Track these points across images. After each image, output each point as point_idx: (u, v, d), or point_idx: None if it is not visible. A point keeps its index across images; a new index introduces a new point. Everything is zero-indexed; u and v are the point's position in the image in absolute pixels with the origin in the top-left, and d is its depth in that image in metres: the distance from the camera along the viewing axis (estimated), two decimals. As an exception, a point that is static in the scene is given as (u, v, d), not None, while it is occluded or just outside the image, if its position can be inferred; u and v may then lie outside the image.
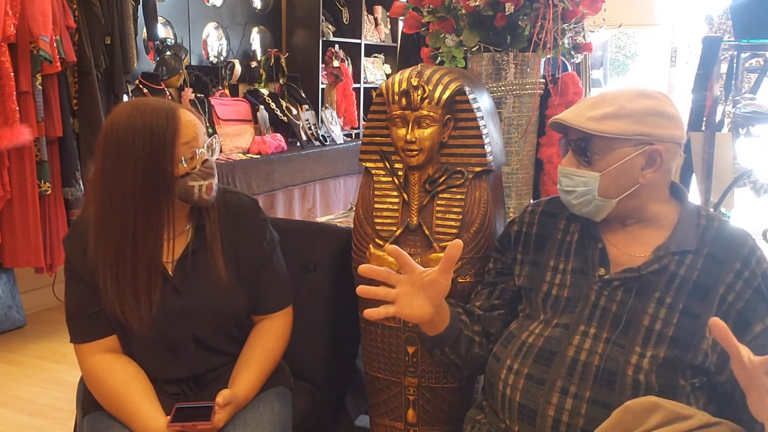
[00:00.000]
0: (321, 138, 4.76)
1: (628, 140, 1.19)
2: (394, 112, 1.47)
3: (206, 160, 1.35)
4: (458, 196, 1.49)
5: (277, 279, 1.50)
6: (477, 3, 1.76)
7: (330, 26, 5.13)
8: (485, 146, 1.48)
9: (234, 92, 4.54)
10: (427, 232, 1.49)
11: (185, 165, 1.31)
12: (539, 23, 1.76)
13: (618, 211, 1.25)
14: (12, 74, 2.71)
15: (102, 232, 1.31)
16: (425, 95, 1.44)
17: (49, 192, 2.94)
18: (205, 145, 1.35)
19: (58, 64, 2.87)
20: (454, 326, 1.30)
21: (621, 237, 1.28)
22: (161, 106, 1.31)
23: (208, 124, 3.93)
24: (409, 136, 1.45)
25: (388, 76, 5.75)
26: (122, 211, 1.29)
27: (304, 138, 4.58)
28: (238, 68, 4.51)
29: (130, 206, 1.28)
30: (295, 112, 4.65)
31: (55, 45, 2.83)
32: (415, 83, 1.44)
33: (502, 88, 1.87)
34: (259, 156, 4.05)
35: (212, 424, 1.26)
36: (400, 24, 2.37)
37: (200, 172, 1.33)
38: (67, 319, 1.39)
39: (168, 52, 3.76)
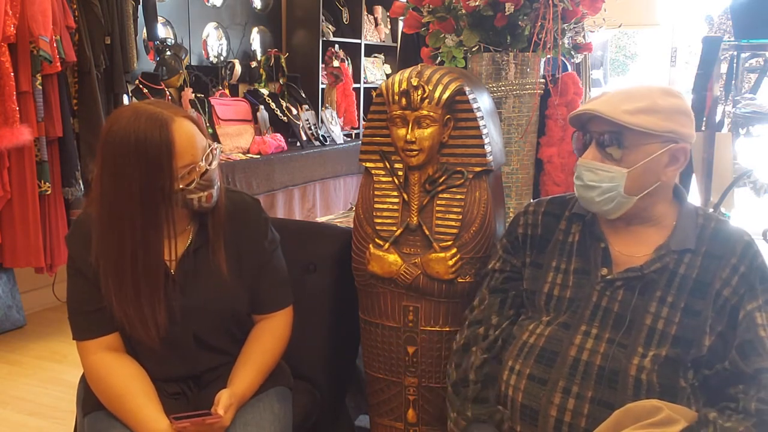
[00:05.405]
0: (321, 138, 4.75)
1: (658, 136, 1.19)
2: (394, 112, 1.47)
3: (205, 171, 1.33)
4: (458, 196, 1.49)
5: (278, 279, 1.50)
6: (477, 3, 1.76)
7: (330, 26, 5.12)
8: (485, 146, 1.48)
9: (234, 92, 4.54)
10: (427, 232, 1.49)
11: (184, 180, 1.30)
12: (539, 23, 1.76)
13: (629, 210, 1.24)
14: (12, 74, 2.70)
15: (102, 244, 1.31)
16: (425, 95, 1.44)
17: (49, 192, 2.94)
18: (203, 157, 1.32)
19: (58, 64, 2.87)
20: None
21: (623, 237, 1.28)
22: (155, 121, 1.27)
23: (208, 124, 3.92)
24: (409, 136, 1.45)
25: (388, 76, 5.75)
26: (120, 228, 1.29)
27: (304, 138, 4.58)
28: (238, 68, 4.51)
29: (127, 224, 1.28)
30: (295, 112, 4.65)
31: (55, 45, 2.82)
32: (415, 83, 1.44)
33: (502, 88, 1.87)
34: (259, 156, 4.05)
35: (220, 417, 1.26)
36: (400, 24, 2.37)
37: (198, 185, 1.32)
38: (69, 316, 1.39)
39: (168, 52, 3.75)
